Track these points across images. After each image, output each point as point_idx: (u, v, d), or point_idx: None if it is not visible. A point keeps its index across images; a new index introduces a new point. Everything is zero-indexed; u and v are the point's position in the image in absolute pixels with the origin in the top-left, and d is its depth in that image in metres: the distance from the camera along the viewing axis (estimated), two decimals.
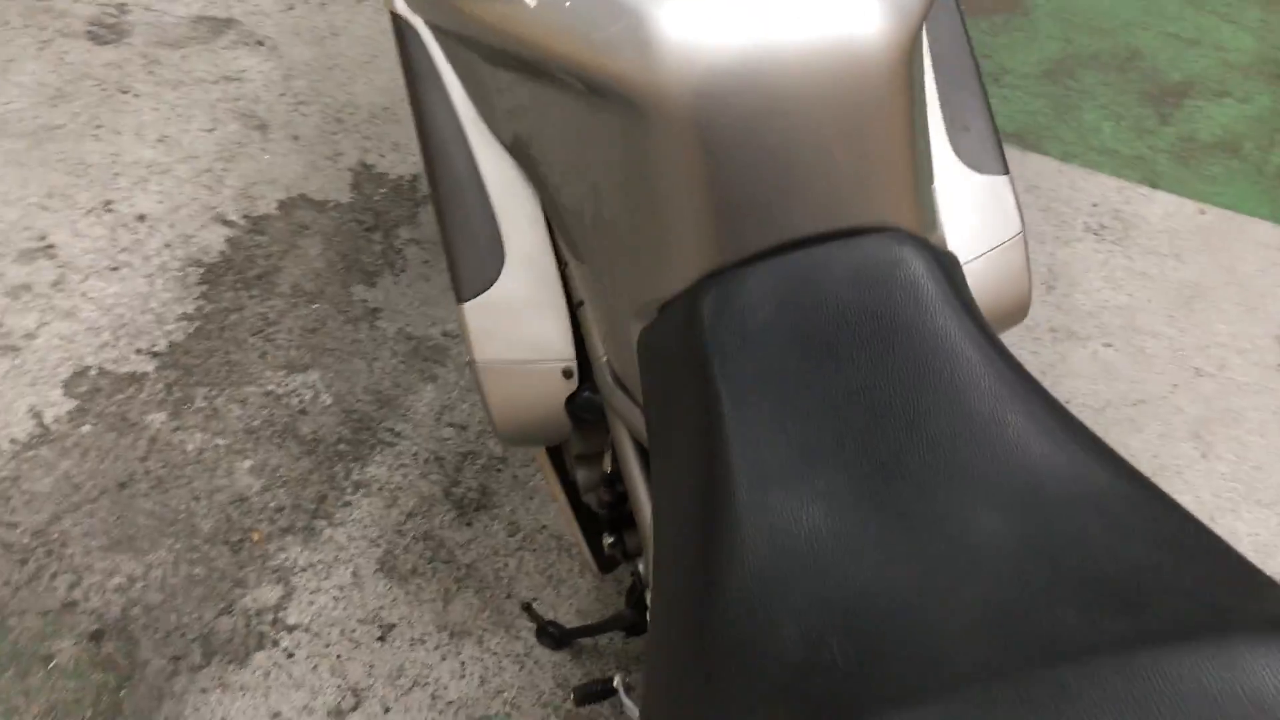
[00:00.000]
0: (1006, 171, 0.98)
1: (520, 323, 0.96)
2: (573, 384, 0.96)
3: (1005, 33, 2.26)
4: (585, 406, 0.97)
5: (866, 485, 0.57)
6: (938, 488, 0.56)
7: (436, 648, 1.31)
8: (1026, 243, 1.01)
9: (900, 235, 0.69)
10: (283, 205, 1.75)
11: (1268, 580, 0.50)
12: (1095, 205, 1.93)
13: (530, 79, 0.79)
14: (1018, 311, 1.01)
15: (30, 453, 1.44)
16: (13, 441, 1.44)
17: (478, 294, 0.96)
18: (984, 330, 0.66)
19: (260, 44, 1.99)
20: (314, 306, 1.62)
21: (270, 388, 1.53)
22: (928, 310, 0.66)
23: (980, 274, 0.98)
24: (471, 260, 0.96)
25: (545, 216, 0.93)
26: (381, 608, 1.34)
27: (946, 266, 0.69)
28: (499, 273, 0.96)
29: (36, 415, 1.47)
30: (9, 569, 1.34)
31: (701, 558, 0.56)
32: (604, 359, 0.91)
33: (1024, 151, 2.01)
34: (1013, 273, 1.00)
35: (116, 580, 1.34)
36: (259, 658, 1.30)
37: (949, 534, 0.54)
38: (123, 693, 1.27)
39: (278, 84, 1.94)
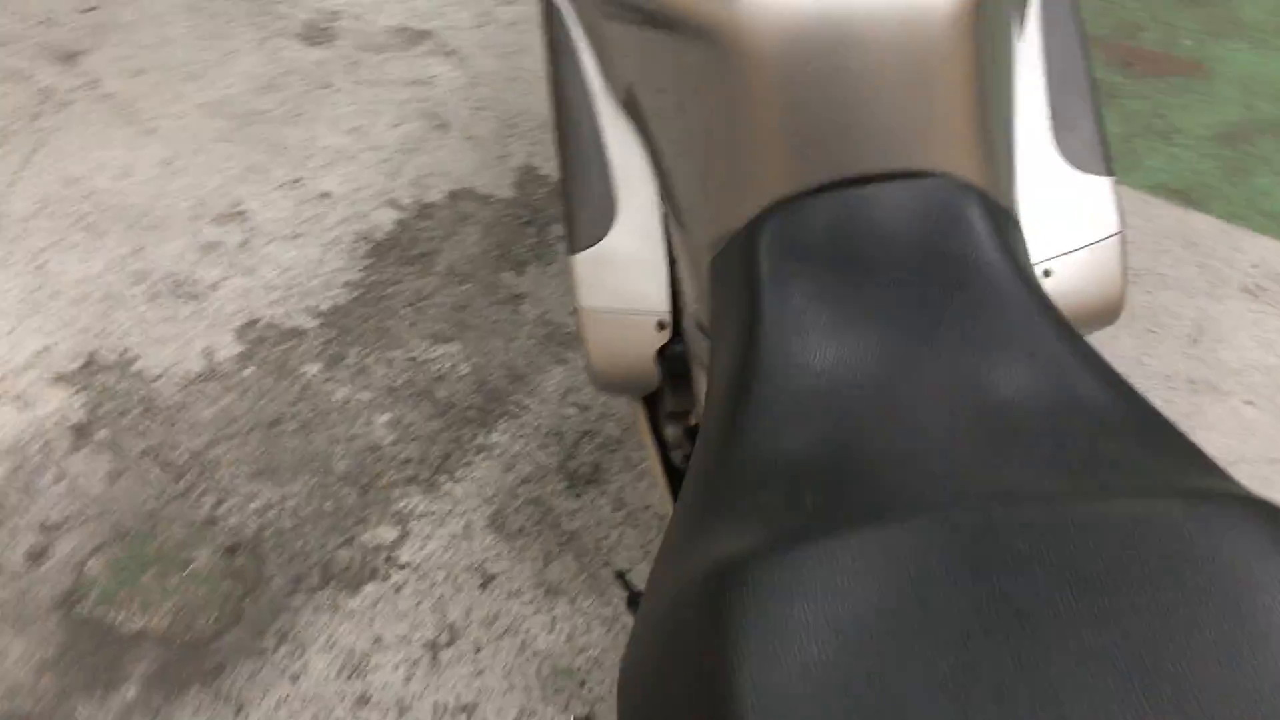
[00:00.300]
0: (1110, 174, 1.00)
1: (623, 275, 1.03)
2: (665, 336, 1.03)
3: (1182, 94, 2.23)
4: (674, 358, 1.03)
5: (889, 348, 0.62)
6: (957, 354, 0.60)
7: (531, 601, 1.38)
8: (1125, 245, 1.02)
9: (956, 181, 0.73)
10: (451, 195, 1.88)
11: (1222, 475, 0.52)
12: (1255, 266, 1.88)
13: (637, 26, 0.87)
14: (1108, 312, 1.03)
15: (198, 386, 1.59)
16: (185, 374, 1.60)
17: (588, 246, 1.04)
18: (1030, 280, 0.69)
19: (451, 54, 2.15)
20: (464, 287, 1.74)
21: (415, 354, 1.65)
22: (974, 247, 0.70)
23: (1071, 268, 1.00)
24: (586, 216, 1.04)
25: (655, 180, 1.00)
26: (486, 559, 1.43)
27: (999, 217, 0.73)
28: (609, 229, 1.04)
29: (209, 355, 1.63)
30: (166, 483, 1.49)
31: (728, 410, 0.62)
32: (692, 310, 0.97)
33: (1186, 209, 1.98)
34: (1105, 271, 1.02)
35: (255, 504, 1.47)
36: (369, 588, 1.40)
37: (948, 389, 0.58)
38: (245, 602, 1.39)
39: (462, 90, 2.09)
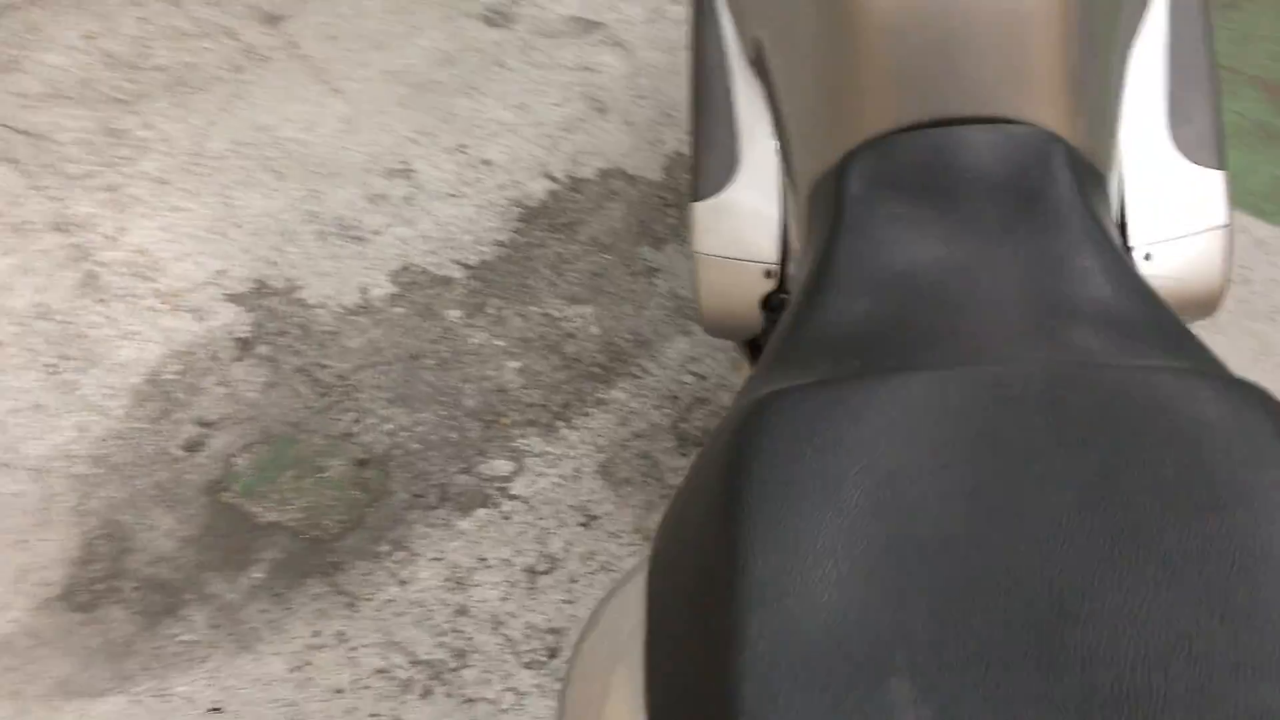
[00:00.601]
0: (1222, 168, 1.04)
1: (738, 224, 1.11)
2: (771, 284, 1.10)
3: None
4: (778, 306, 1.11)
5: (957, 258, 0.68)
6: (1018, 266, 0.66)
7: (629, 544, 1.47)
8: (1231, 239, 1.05)
9: (1043, 132, 0.79)
10: (601, 173, 1.99)
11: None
12: None
13: None
14: (1206, 302, 1.05)
15: (352, 317, 1.73)
16: (341, 306, 1.75)
17: (709, 196, 1.12)
18: (1105, 229, 0.75)
19: (619, 45, 2.27)
20: (604, 256, 1.85)
21: (550, 311, 1.76)
22: (1052, 190, 0.75)
23: (1172, 254, 1.03)
24: (711, 167, 1.13)
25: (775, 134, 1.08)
26: (590, 501, 1.52)
27: (1081, 169, 0.78)
28: (730, 181, 1.12)
29: (364, 291, 1.77)
30: (313, 397, 1.63)
31: (801, 301, 0.70)
32: (797, 259, 1.05)
33: None
34: (1207, 261, 1.04)
35: (388, 426, 1.60)
36: (480, 513, 1.50)
37: (1004, 291, 0.64)
38: (368, 510, 1.51)
39: (625, 79, 2.20)
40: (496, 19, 2.33)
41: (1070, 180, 0.75)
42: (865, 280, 0.68)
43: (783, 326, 0.72)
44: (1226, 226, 1.03)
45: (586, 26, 2.32)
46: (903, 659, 0.44)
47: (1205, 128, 1.04)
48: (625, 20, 2.35)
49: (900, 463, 0.50)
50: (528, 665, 1.37)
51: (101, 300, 1.75)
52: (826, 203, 0.82)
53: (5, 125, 2.03)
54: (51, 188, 1.92)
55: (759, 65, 1.06)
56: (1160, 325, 0.62)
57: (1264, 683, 0.41)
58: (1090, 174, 0.78)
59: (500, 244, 1.86)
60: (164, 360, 1.67)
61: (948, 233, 0.71)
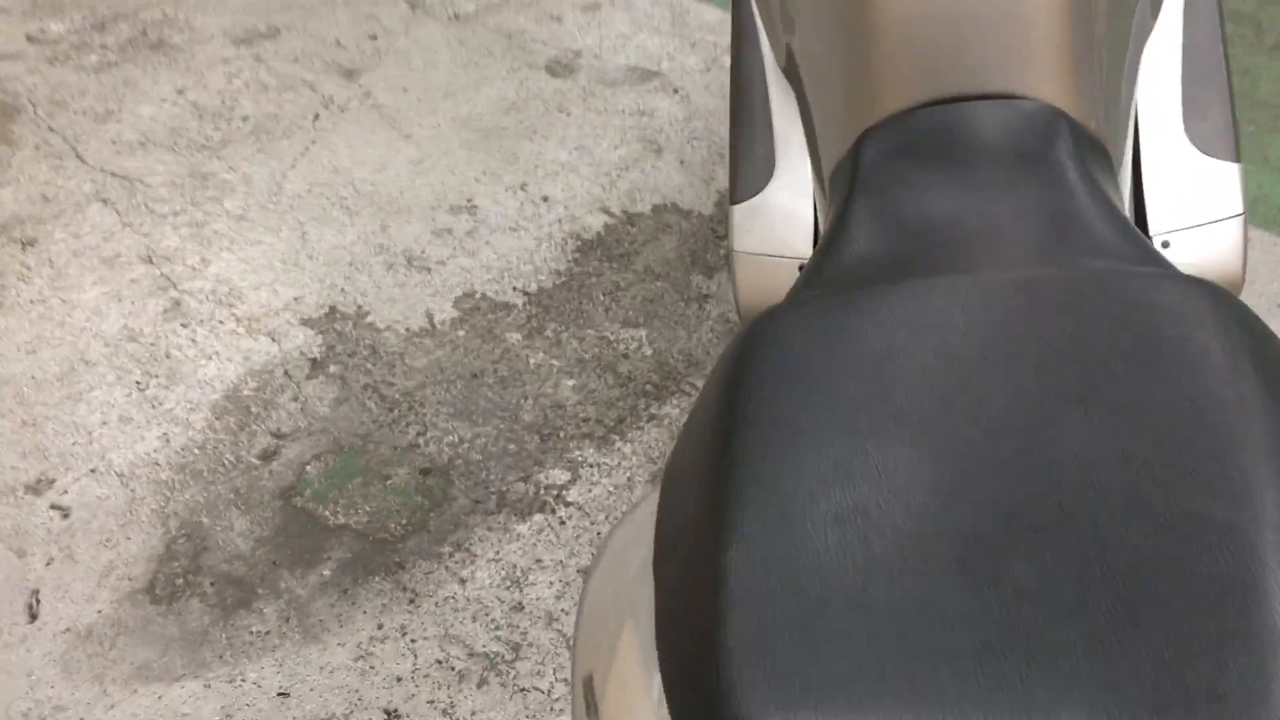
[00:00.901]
0: (1236, 160, 1.09)
1: (774, 224, 1.18)
2: None
3: None
4: None
5: (960, 209, 0.75)
6: (1018, 217, 0.72)
7: None
8: (1246, 227, 1.10)
9: (1047, 106, 0.85)
10: (655, 208, 2.08)
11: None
12: None
13: None
14: (1229, 286, 1.10)
15: (417, 339, 1.83)
16: (408, 329, 1.84)
17: (748, 199, 1.20)
18: (1103, 195, 0.80)
19: (675, 91, 2.37)
20: (657, 283, 1.92)
21: (605, 334, 1.83)
22: (1054, 157, 0.81)
23: (1189, 243, 1.08)
24: (748, 171, 1.20)
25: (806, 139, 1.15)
26: None
27: (1084, 141, 0.84)
28: (767, 184, 1.19)
29: (429, 316, 1.87)
30: (381, 412, 1.72)
31: (820, 250, 0.76)
32: None
33: None
34: (1224, 250, 1.09)
35: (450, 439, 1.68)
36: (537, 518, 1.57)
37: (1001, 234, 0.71)
38: (431, 515, 1.58)
39: (680, 122, 2.30)
40: (559, 70, 2.45)
41: (1070, 147, 0.81)
42: (877, 227, 0.75)
43: (799, 277, 0.78)
44: (1242, 215, 1.08)
45: (644, 75, 2.43)
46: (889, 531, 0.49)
47: (1219, 122, 1.10)
48: (681, 69, 2.46)
49: (889, 355, 0.56)
50: None
51: (185, 324, 1.86)
52: (845, 178, 0.89)
53: (101, 169, 2.18)
54: (141, 225, 2.06)
55: (791, 73, 1.14)
56: (1151, 255, 0.68)
57: (1197, 495, 0.46)
58: (1092, 145, 0.84)
59: (558, 273, 1.95)
60: (242, 378, 1.77)
61: (955, 189, 0.77)
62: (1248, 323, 0.55)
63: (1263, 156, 2.17)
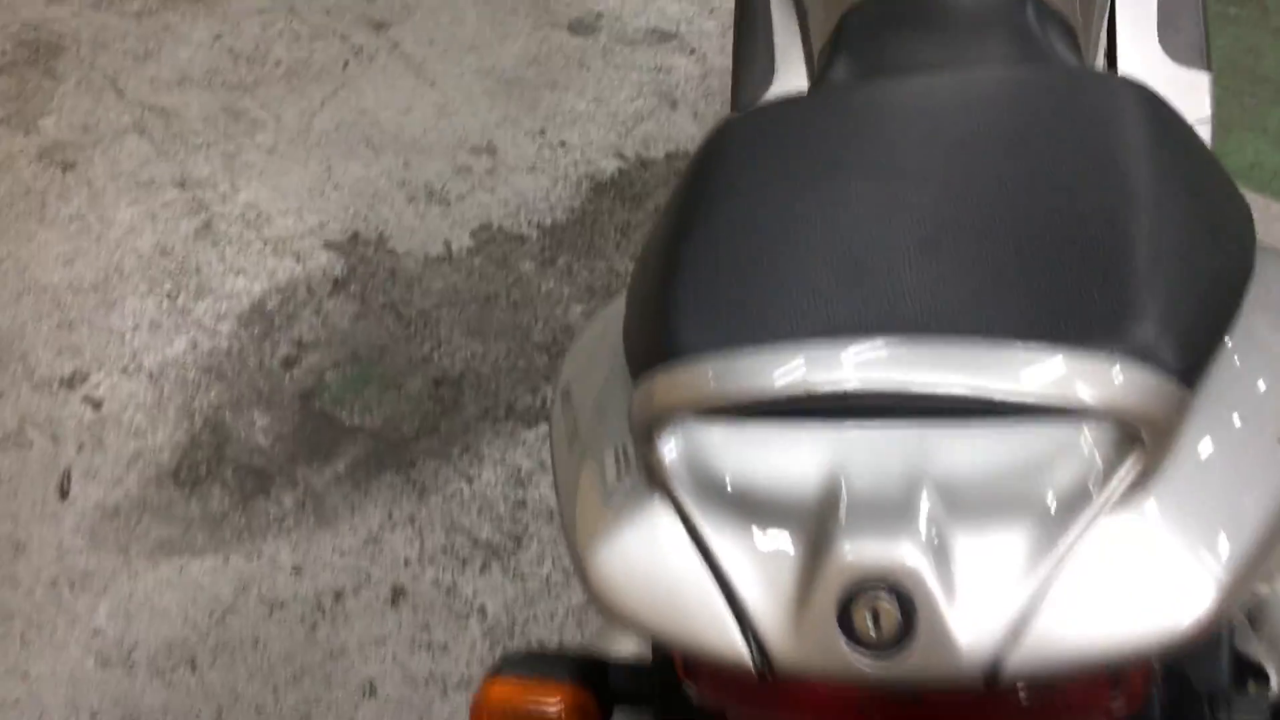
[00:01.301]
0: (1208, 69, 1.16)
1: None
2: None
3: None
4: None
5: (932, 48, 0.83)
6: (982, 45, 0.80)
7: None
8: (1214, 132, 1.17)
9: None
10: (668, 155, 2.16)
11: None
12: None
13: None
14: None
15: (435, 265, 1.91)
16: (426, 255, 1.93)
17: (747, 106, 1.27)
18: (1053, 47, 0.88)
19: (692, 52, 2.46)
20: None
21: (615, 266, 1.91)
22: (1017, 19, 0.89)
23: None
24: (748, 80, 1.28)
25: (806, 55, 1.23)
26: None
27: (1050, 15, 0.91)
28: (765, 92, 1.27)
29: (447, 245, 1.95)
30: (397, 328, 1.80)
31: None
32: None
33: None
34: None
35: (463, 354, 1.76)
36: (543, 427, 1.65)
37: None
38: (442, 420, 1.66)
39: (695, 80, 2.38)
40: (581, 29, 2.54)
41: (1035, 17, 0.89)
42: (853, 71, 0.82)
43: None
44: (1210, 120, 1.15)
45: (663, 36, 2.52)
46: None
47: (1192, 36, 1.17)
48: (700, 32, 2.54)
49: (842, 132, 0.64)
50: None
51: (215, 243, 1.95)
52: (827, 50, 0.97)
53: (139, 104, 2.27)
54: (176, 154, 2.15)
55: None
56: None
57: (1088, 195, 0.54)
58: (1057, 20, 0.91)
59: (572, 210, 2.03)
60: (267, 293, 1.86)
61: (925, 46, 0.85)
62: (1162, 110, 0.63)
63: (1262, 127, 2.24)
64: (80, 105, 2.27)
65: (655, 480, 0.50)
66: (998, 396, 0.42)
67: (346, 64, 2.40)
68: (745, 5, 1.29)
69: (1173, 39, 1.16)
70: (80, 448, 1.62)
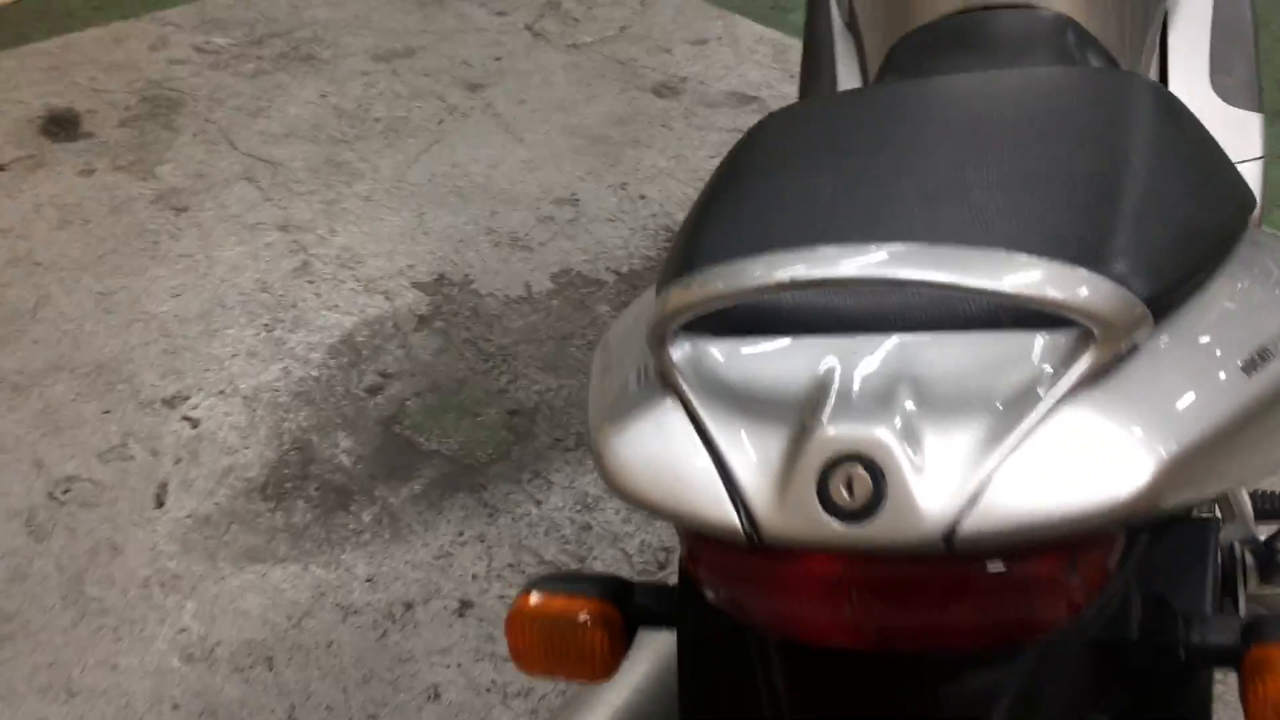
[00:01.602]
0: (1260, 110, 1.20)
1: None
2: None
3: None
4: None
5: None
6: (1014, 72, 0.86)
7: None
8: (1266, 171, 1.20)
9: (1059, 14, 0.98)
10: None
11: None
12: None
13: None
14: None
15: (515, 305, 2.00)
16: (507, 296, 2.02)
17: None
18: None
19: None
20: None
21: None
22: (1055, 44, 0.94)
23: None
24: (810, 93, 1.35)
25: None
26: None
27: (1084, 38, 0.97)
28: None
29: (528, 286, 2.04)
30: (477, 362, 1.89)
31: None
32: None
33: None
34: None
35: (538, 387, 1.84)
36: None
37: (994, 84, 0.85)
38: (515, 447, 1.74)
39: None
40: (665, 92, 2.65)
41: (1077, 46, 0.94)
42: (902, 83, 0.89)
43: None
44: (1262, 159, 1.18)
45: (743, 99, 2.61)
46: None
47: (1244, 79, 1.21)
48: (780, 96, 2.63)
49: (858, 130, 0.70)
50: (639, 572, 1.55)
51: (311, 281, 2.07)
52: (878, 76, 1.03)
53: (249, 154, 2.43)
54: (280, 200, 2.29)
55: (852, 25, 1.30)
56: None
57: (1094, 150, 0.61)
58: (1091, 42, 0.97)
59: (648, 258, 2.11)
60: (357, 327, 1.96)
61: (968, 67, 0.91)
62: (1170, 99, 0.68)
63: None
64: (195, 155, 2.43)
65: (667, 382, 0.56)
66: (977, 288, 0.48)
67: (441, 121, 2.54)
68: (811, 44, 1.36)
69: (1224, 82, 1.20)
70: (177, 462, 1.73)
